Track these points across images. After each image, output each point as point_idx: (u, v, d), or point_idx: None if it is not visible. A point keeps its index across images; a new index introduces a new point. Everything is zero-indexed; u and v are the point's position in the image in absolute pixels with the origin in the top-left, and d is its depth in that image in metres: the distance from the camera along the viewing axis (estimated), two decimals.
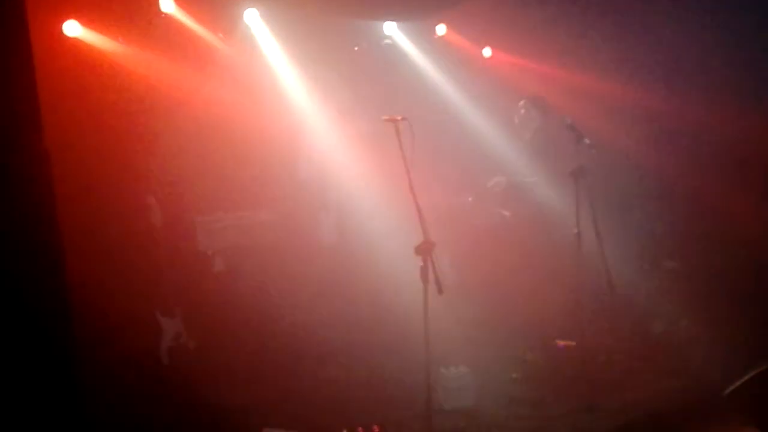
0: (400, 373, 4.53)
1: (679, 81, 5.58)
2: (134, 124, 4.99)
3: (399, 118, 3.45)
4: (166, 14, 5.04)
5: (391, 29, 6.06)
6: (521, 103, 5.41)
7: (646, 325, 5.10)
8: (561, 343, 4.89)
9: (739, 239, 5.34)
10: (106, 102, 4.87)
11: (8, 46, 2.13)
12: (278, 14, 5.42)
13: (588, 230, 4.14)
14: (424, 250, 3.26)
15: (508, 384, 4.44)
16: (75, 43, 4.81)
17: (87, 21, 4.82)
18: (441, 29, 6.18)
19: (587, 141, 4.16)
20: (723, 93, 5.39)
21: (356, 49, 5.97)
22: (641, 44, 5.68)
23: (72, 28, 4.79)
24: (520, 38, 6.20)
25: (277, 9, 5.40)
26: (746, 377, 3.27)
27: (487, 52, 6.48)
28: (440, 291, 3.18)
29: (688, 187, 5.71)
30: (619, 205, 5.28)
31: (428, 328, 3.32)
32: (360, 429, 3.24)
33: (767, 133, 4.77)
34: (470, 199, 6.20)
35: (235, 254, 5.39)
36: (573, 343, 4.68)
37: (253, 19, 5.39)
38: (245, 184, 5.46)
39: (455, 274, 5.65)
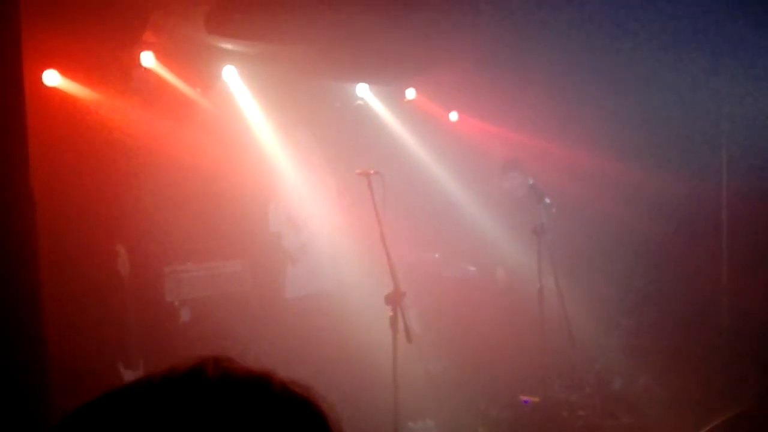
0: (366, 425, 4.50)
1: (638, 149, 5.91)
2: (106, 173, 5.02)
3: (372, 171, 3.61)
4: (145, 68, 5.17)
5: (363, 91, 6.33)
6: (501, 167, 5.60)
7: (606, 381, 5.22)
8: (525, 398, 4.96)
9: (694, 298, 5.58)
10: (79, 150, 4.90)
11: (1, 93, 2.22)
12: (256, 72, 5.63)
13: (550, 286, 4.31)
14: (394, 299, 3.35)
15: None
16: (53, 92, 4.87)
17: (66, 71, 4.90)
18: (410, 93, 6.47)
19: (548, 200, 4.40)
20: (678, 156, 5.75)
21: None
22: (602, 112, 6.03)
23: (51, 78, 4.86)
24: (485, 104, 6.53)
25: (255, 68, 5.61)
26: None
27: (453, 116, 6.79)
28: (409, 340, 3.26)
29: (646, 247, 5.97)
30: (580, 262, 5.49)
31: (397, 377, 3.37)
32: None
33: (716, 194, 5.08)
34: (437, 255, 6.35)
35: (203, 305, 5.35)
36: (537, 399, 4.77)
37: (231, 76, 5.58)
38: (217, 234, 5.49)
39: (422, 327, 5.71)
